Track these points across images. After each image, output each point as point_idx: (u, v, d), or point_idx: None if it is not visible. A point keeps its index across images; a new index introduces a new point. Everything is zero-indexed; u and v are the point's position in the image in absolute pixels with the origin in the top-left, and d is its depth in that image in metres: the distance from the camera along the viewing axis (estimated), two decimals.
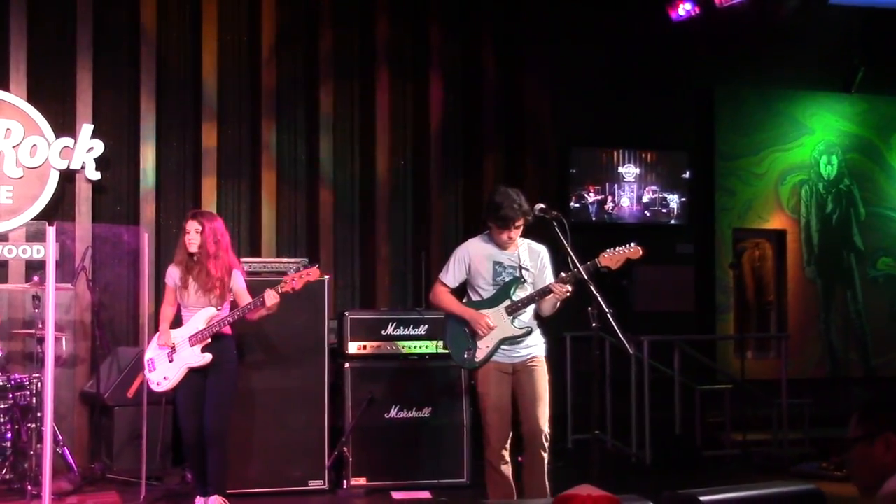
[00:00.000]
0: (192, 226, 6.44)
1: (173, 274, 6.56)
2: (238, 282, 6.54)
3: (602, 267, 5.62)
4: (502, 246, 5.83)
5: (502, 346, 5.78)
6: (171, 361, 6.42)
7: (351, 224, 9.41)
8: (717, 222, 10.74)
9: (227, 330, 6.48)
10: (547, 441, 5.80)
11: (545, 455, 5.78)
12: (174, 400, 6.67)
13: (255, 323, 6.86)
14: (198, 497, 6.49)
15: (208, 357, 6.35)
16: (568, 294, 5.66)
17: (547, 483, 5.74)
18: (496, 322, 5.75)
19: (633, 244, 5.64)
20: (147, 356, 6.57)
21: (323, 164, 9.22)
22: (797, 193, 11.16)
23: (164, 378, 6.44)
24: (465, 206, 9.73)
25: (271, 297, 6.25)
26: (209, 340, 6.36)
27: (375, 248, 9.34)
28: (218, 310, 6.42)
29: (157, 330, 6.68)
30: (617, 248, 5.64)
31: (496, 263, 5.84)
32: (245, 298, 6.46)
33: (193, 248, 6.41)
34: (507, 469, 5.81)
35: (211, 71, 8.92)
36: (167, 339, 6.43)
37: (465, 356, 5.82)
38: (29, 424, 7.04)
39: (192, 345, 6.36)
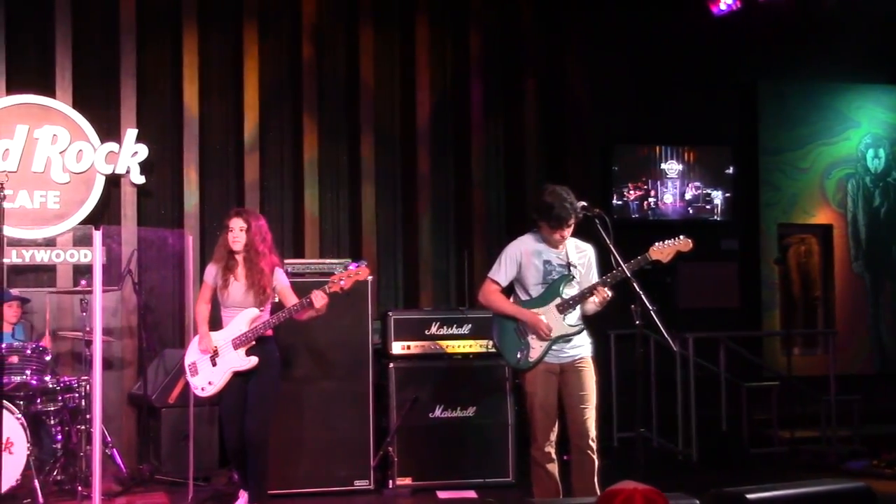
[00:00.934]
0: (237, 223, 6.32)
1: (212, 272, 6.41)
2: (282, 280, 6.41)
3: (652, 261, 5.59)
4: (553, 245, 5.80)
5: (554, 346, 5.74)
6: (214, 366, 6.27)
7: (393, 224, 9.45)
8: (761, 218, 10.64)
9: (269, 332, 6.33)
10: (594, 443, 5.75)
11: (594, 457, 5.72)
12: (219, 404, 6.56)
13: (299, 324, 6.87)
14: (241, 491, 6.43)
15: (254, 360, 6.22)
16: (608, 298, 5.65)
17: (597, 486, 5.67)
18: (549, 321, 5.71)
19: (682, 237, 5.61)
20: (188, 360, 6.43)
21: (364, 165, 9.25)
22: (843, 187, 11.03)
23: (209, 383, 6.29)
24: (507, 205, 9.73)
25: (319, 299, 6.11)
26: (253, 343, 6.24)
27: (418, 247, 9.36)
28: (260, 310, 6.28)
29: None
30: (666, 242, 5.61)
31: (546, 262, 5.79)
32: (290, 296, 6.33)
33: (238, 247, 6.28)
34: (554, 467, 5.78)
35: (253, 73, 8.98)
36: (208, 344, 6.29)
37: (519, 356, 5.76)
38: (78, 426, 7.15)
39: (235, 348, 6.21)
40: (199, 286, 8.15)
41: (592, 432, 5.74)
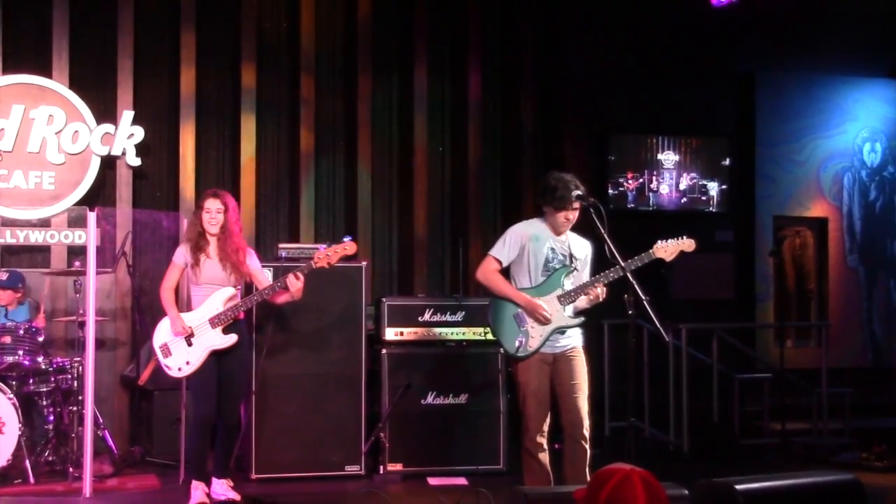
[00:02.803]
0: (214, 205, 6.30)
1: (182, 252, 6.37)
2: (254, 262, 6.45)
3: (655, 259, 5.58)
4: (558, 229, 5.78)
5: (551, 336, 5.73)
6: (190, 346, 6.23)
7: (388, 210, 9.44)
8: (757, 210, 10.63)
9: (241, 314, 6.36)
10: (587, 432, 5.75)
11: (587, 446, 5.72)
12: (189, 384, 6.53)
13: (293, 309, 6.88)
14: (193, 481, 6.35)
15: (234, 337, 6.23)
16: (601, 298, 5.68)
17: (588, 474, 5.65)
18: (550, 310, 5.70)
19: (685, 237, 5.60)
20: (158, 342, 6.35)
21: (361, 152, 9.24)
22: (839, 181, 11.04)
23: (186, 363, 6.23)
24: (503, 193, 9.73)
25: (293, 283, 6.11)
26: (231, 321, 6.23)
27: (413, 234, 9.36)
28: (236, 288, 6.31)
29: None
30: (670, 241, 5.60)
31: (550, 249, 5.79)
32: (262, 278, 6.39)
33: (214, 229, 6.28)
34: (545, 457, 5.78)
35: (251, 58, 8.96)
36: (182, 325, 6.22)
37: (517, 345, 5.72)
38: (70, 407, 7.16)
39: (213, 327, 6.20)
40: None
41: (586, 422, 5.74)
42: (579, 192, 5.66)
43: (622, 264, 5.42)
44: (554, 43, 9.90)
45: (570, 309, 5.76)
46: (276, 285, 6.19)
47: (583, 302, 5.78)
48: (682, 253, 5.62)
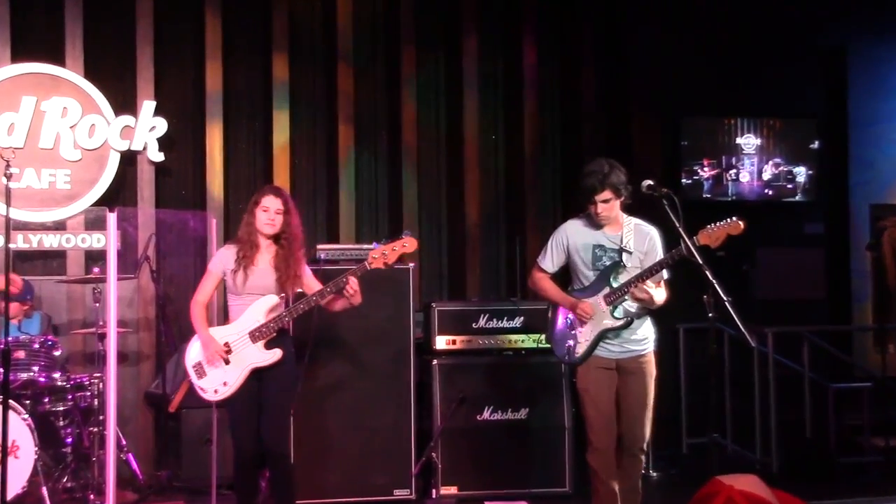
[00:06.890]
0: (274, 203, 6.03)
1: (226, 257, 6.07)
2: (306, 268, 6.20)
3: (701, 245, 5.50)
4: (598, 224, 5.79)
5: (605, 340, 5.76)
6: (227, 364, 5.96)
7: (438, 207, 9.44)
8: (851, 198, 10.54)
9: (288, 325, 6.15)
10: (645, 446, 5.90)
11: (642, 458, 5.90)
12: (228, 405, 6.13)
13: (333, 316, 6.82)
14: None
15: (278, 353, 5.93)
16: (650, 298, 5.63)
17: (640, 487, 5.90)
18: (596, 311, 5.73)
19: (734, 218, 5.53)
20: (191, 361, 6.06)
21: (406, 144, 9.23)
22: None
23: (224, 384, 5.95)
24: (563, 186, 9.68)
25: (354, 282, 5.85)
26: (274, 335, 5.96)
27: (465, 233, 9.33)
28: (280, 297, 6.04)
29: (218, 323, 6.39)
30: (717, 224, 5.55)
31: (596, 246, 5.81)
32: (314, 285, 6.09)
33: (271, 230, 6.01)
34: (613, 475, 5.75)
35: (282, 44, 8.99)
36: (215, 348, 5.94)
37: (566, 350, 5.83)
38: (91, 428, 7.20)
39: (254, 341, 5.93)
40: None
41: (646, 436, 5.86)
42: (650, 183, 5.58)
43: (663, 259, 5.57)
44: (618, 15, 9.85)
45: (627, 307, 5.76)
46: (325, 290, 5.94)
47: (636, 302, 5.75)
48: (728, 237, 5.54)
